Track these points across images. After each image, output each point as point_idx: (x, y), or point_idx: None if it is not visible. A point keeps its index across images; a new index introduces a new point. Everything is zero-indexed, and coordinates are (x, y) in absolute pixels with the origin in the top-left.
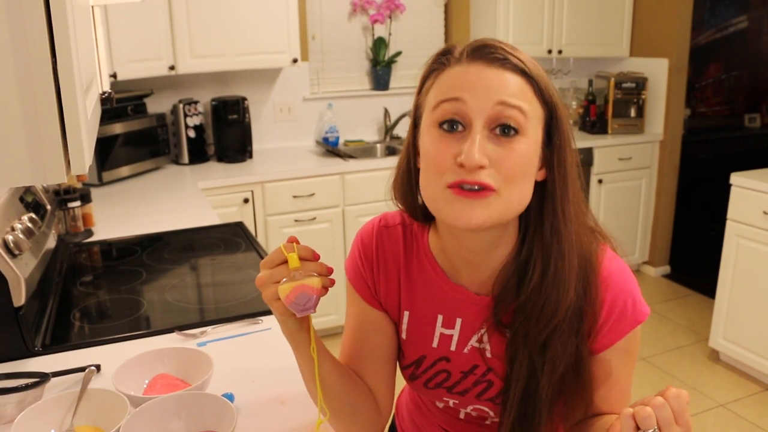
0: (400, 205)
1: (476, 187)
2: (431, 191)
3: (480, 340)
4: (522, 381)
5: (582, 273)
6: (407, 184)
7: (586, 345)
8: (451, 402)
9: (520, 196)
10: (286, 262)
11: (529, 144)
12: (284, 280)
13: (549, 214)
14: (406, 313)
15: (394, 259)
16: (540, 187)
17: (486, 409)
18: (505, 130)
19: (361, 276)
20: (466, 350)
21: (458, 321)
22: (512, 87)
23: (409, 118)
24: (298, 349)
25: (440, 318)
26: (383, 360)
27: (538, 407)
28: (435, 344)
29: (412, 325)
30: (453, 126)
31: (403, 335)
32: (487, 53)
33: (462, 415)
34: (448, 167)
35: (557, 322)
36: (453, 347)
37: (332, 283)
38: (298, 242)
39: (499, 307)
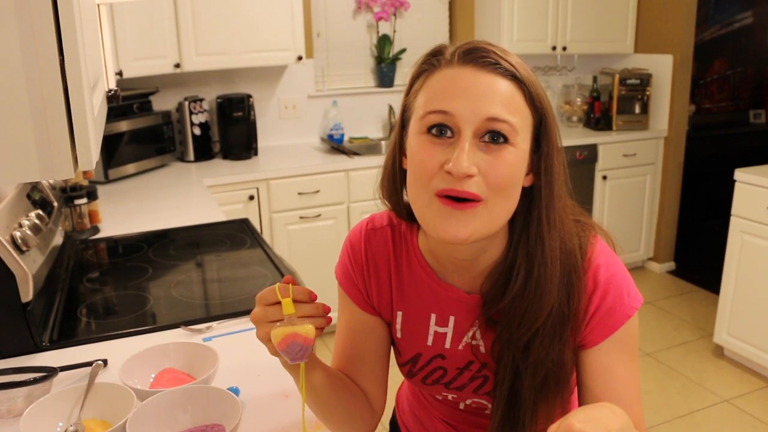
0: (387, 204)
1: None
2: (419, 201)
3: (473, 337)
4: (508, 381)
5: (565, 277)
6: (392, 184)
7: (570, 350)
8: (449, 396)
9: (507, 206)
10: (280, 303)
11: (518, 153)
12: (278, 324)
13: (534, 221)
14: (399, 314)
15: (384, 261)
16: (526, 193)
17: (484, 402)
18: (494, 137)
19: (353, 281)
20: (460, 347)
21: (451, 319)
22: (503, 95)
23: (397, 118)
24: (292, 374)
25: (433, 317)
26: (376, 362)
27: (522, 408)
28: (429, 342)
29: (405, 324)
30: (442, 131)
31: (398, 334)
32: (478, 57)
33: (462, 407)
34: (436, 174)
35: (538, 326)
36: (447, 345)
37: (329, 321)
38: (295, 282)
39: (487, 306)
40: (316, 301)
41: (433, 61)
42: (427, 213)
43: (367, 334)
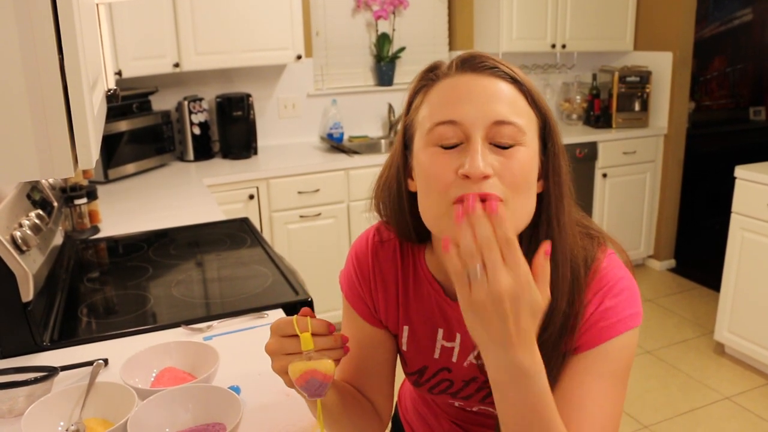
0: (393, 229)
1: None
2: (435, 211)
3: (478, 357)
4: None
5: (574, 283)
6: (398, 208)
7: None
8: (456, 403)
9: (527, 208)
10: (298, 335)
11: (529, 151)
12: (296, 357)
13: (544, 225)
14: (406, 328)
15: (392, 275)
16: (536, 199)
17: (491, 409)
18: (504, 140)
19: (359, 295)
20: (465, 364)
21: (458, 336)
22: (506, 96)
23: (397, 140)
24: (308, 404)
25: (440, 332)
26: (383, 374)
27: None
28: (437, 356)
29: (411, 339)
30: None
31: (404, 347)
32: (476, 63)
33: (469, 410)
34: (452, 182)
35: (548, 335)
36: (454, 359)
37: (346, 351)
38: (313, 315)
39: None
40: (334, 333)
41: (431, 75)
42: (444, 223)
43: (375, 348)
